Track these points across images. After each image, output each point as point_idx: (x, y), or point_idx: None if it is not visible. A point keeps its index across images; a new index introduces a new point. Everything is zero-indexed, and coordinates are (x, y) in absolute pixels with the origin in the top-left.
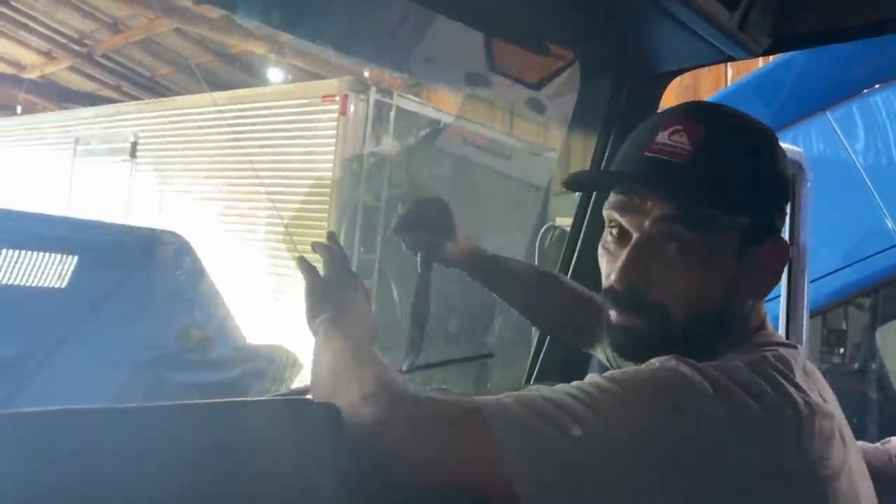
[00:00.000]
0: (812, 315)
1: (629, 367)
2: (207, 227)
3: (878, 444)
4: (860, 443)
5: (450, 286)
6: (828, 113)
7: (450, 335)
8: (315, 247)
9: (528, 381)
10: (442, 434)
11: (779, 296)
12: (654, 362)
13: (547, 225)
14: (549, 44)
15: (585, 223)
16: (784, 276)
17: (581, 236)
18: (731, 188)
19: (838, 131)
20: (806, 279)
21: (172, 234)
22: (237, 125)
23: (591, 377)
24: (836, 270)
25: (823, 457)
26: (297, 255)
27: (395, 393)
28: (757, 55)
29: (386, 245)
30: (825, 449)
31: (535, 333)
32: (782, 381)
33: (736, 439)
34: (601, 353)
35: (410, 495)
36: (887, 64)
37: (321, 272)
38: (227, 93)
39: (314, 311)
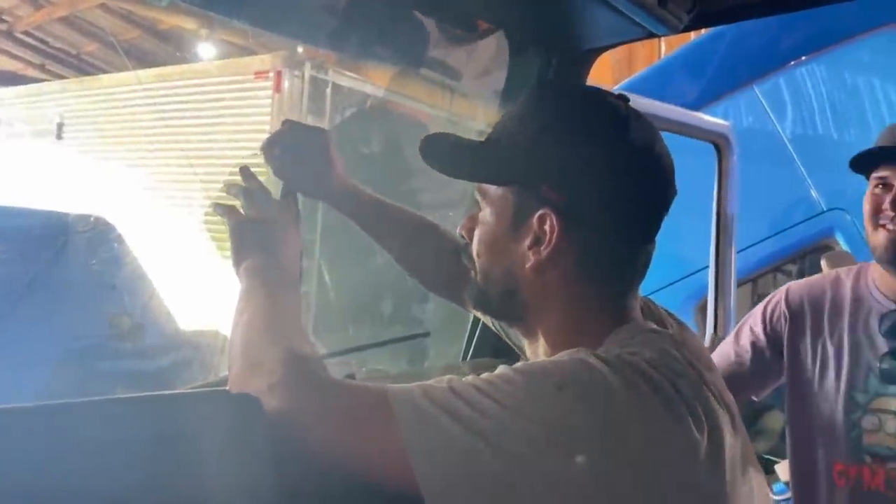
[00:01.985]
0: (743, 282)
1: (539, 360)
2: (137, 210)
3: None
4: None
5: (384, 267)
6: (755, 86)
7: (385, 315)
8: (228, 189)
9: (464, 359)
10: (347, 428)
11: (707, 266)
12: (564, 354)
13: None
14: (478, 20)
15: None
16: (712, 245)
17: None
18: (500, 157)
19: (765, 104)
20: (733, 248)
21: (98, 218)
22: (167, 104)
23: (501, 368)
24: (765, 238)
25: (714, 449)
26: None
27: (300, 381)
28: (678, 31)
29: (326, 226)
30: (715, 442)
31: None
32: (675, 377)
33: (641, 434)
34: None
35: (334, 490)
36: (812, 37)
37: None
38: (156, 70)
39: (237, 256)
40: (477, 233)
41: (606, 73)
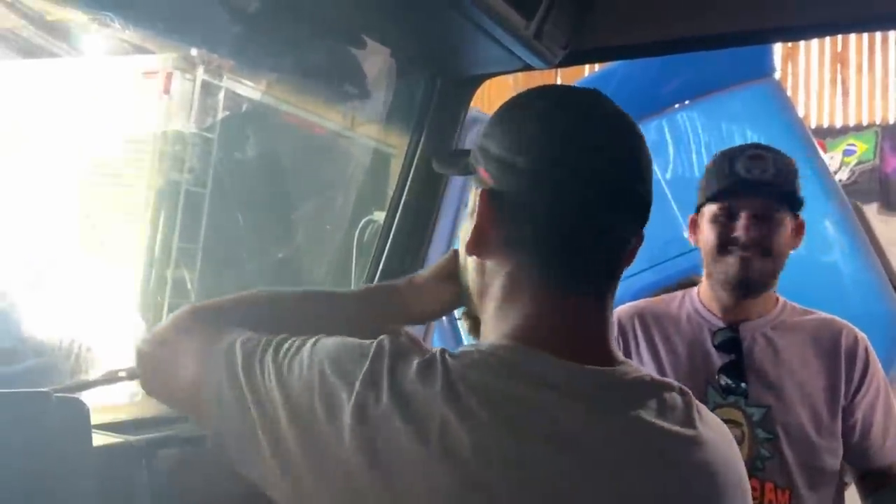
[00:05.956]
0: None
1: None
2: (8, 211)
3: None
4: None
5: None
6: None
7: None
8: None
9: None
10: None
11: None
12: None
13: (365, 219)
14: (368, 39)
15: (397, 218)
16: None
17: (392, 232)
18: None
19: None
20: None
21: None
22: (47, 100)
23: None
24: (643, 270)
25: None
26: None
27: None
28: (553, 66)
29: (209, 234)
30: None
31: None
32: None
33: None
34: None
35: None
36: (691, 84)
37: None
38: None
39: None
40: None
41: None
